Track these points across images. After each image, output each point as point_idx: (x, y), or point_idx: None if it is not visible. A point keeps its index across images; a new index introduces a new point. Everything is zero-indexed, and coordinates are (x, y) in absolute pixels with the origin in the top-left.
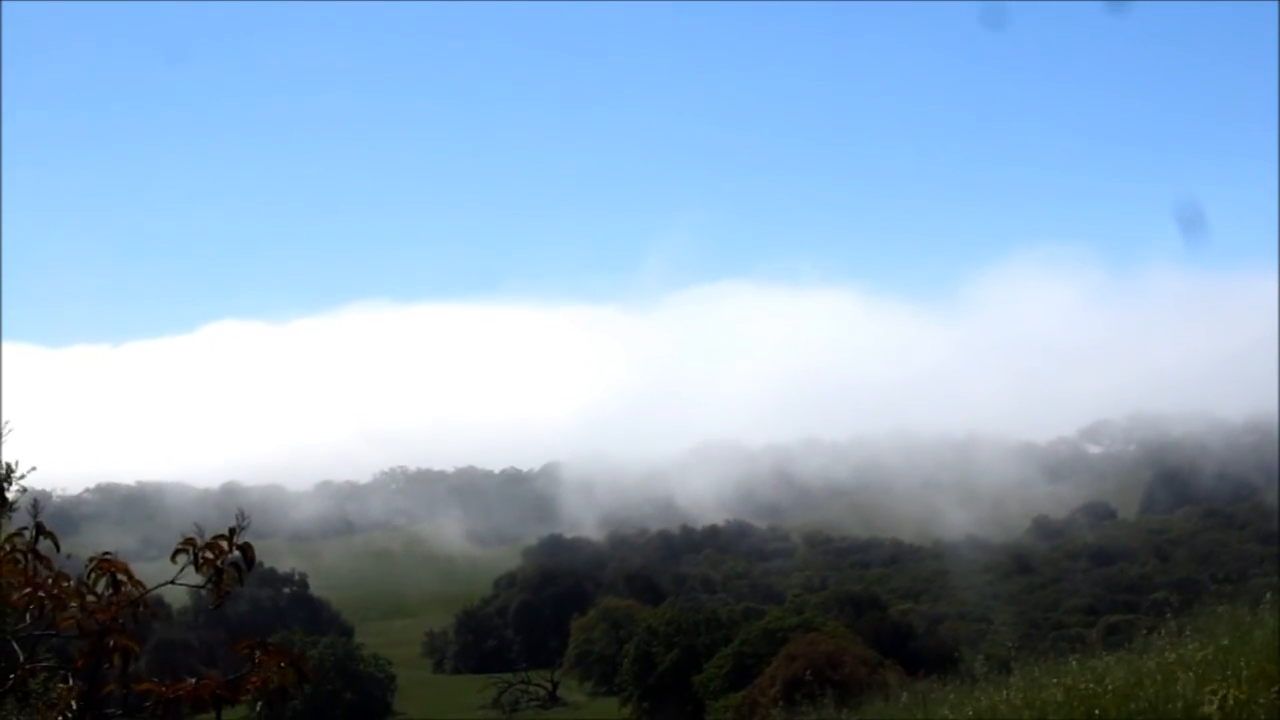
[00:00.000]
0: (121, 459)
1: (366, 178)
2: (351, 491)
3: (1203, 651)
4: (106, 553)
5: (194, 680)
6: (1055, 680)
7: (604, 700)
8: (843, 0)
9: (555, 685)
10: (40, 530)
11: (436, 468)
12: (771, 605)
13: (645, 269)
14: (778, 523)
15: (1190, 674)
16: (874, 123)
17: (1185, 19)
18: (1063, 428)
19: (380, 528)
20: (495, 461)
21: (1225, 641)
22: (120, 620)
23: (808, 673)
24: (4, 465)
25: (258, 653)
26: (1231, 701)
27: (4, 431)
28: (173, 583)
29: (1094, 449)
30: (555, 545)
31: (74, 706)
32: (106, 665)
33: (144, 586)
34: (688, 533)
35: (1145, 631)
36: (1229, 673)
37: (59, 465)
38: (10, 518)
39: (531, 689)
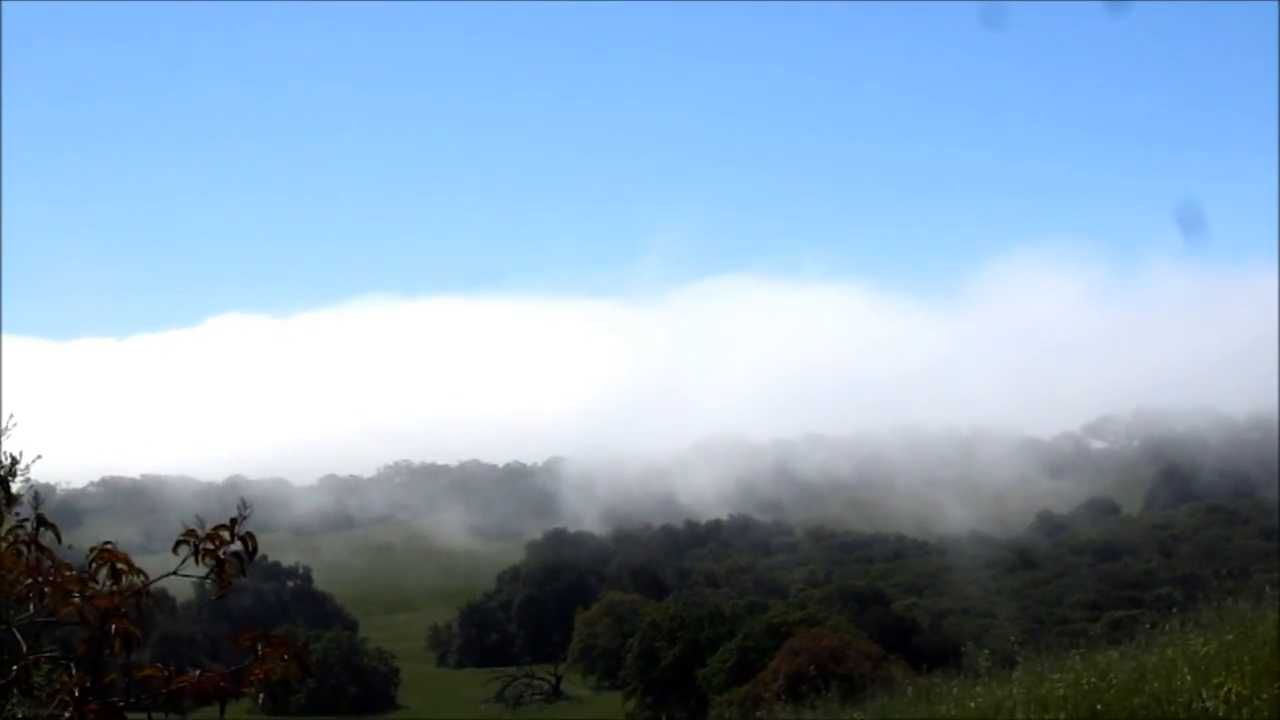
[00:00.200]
0: (125, 452)
1: (370, 172)
2: (355, 486)
3: (1206, 647)
4: (107, 542)
5: (197, 672)
6: (1059, 675)
7: (608, 694)
8: None
9: (559, 679)
10: (42, 521)
11: (440, 462)
12: (775, 600)
13: (649, 264)
14: (781, 518)
15: (1193, 669)
16: (878, 117)
17: (1188, 16)
18: (1067, 423)
19: (384, 522)
20: (499, 456)
21: (1229, 637)
22: (123, 608)
23: (811, 667)
24: (8, 457)
25: (260, 645)
26: (1235, 696)
27: (9, 425)
28: (175, 573)
29: (1098, 444)
30: (559, 540)
31: (76, 695)
32: (108, 653)
33: (146, 575)
34: (691, 527)
35: (1149, 627)
36: (1232, 668)
37: (63, 458)
38: (15, 511)
39: (535, 683)
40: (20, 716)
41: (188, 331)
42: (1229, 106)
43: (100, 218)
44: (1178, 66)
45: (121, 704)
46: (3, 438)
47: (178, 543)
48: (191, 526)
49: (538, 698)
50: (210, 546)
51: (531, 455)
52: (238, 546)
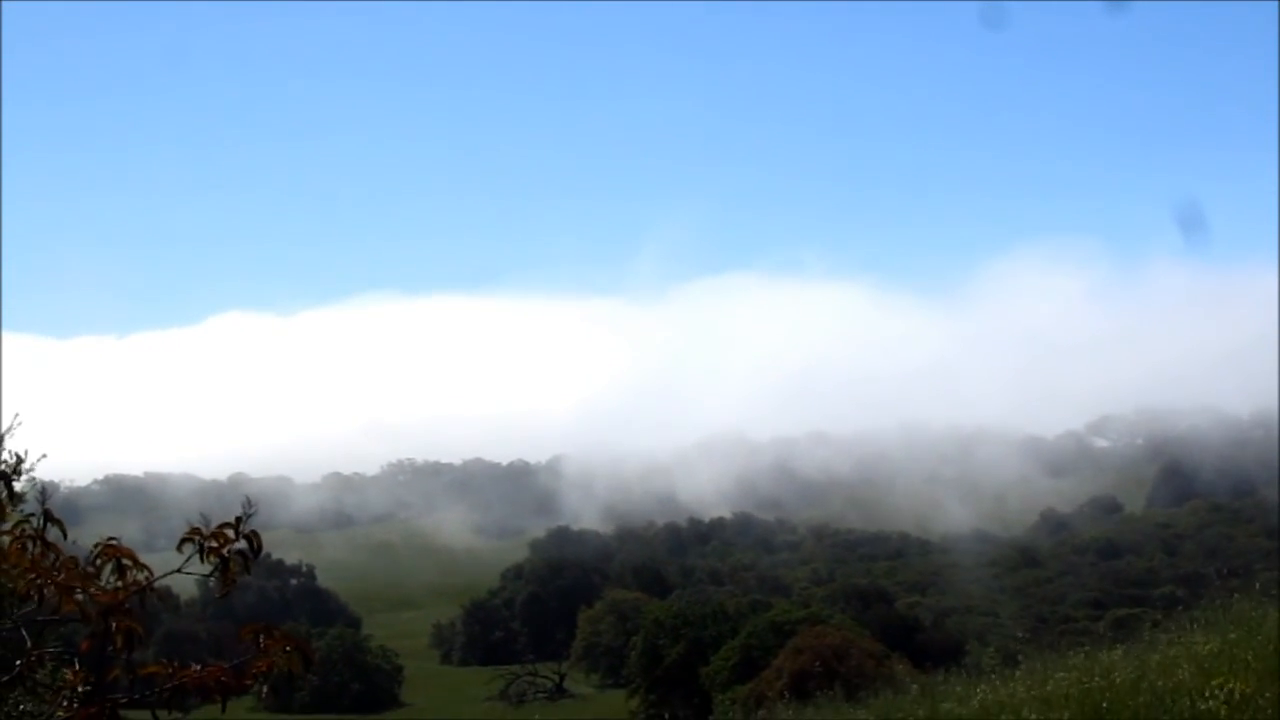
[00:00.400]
0: (128, 450)
1: (372, 170)
2: (358, 483)
3: (1209, 645)
4: (111, 538)
5: (199, 667)
6: (1062, 674)
7: (611, 692)
8: None
9: (562, 677)
10: (48, 518)
11: (443, 460)
12: (778, 598)
13: (651, 261)
14: (783, 516)
15: (1197, 668)
16: (881, 116)
17: (1189, 15)
18: (1069, 422)
19: (387, 520)
20: (502, 454)
21: (1232, 635)
22: (126, 604)
23: (815, 665)
24: (13, 456)
25: (262, 638)
26: (1238, 696)
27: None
28: (180, 571)
29: (1100, 443)
30: (562, 537)
31: (79, 691)
32: (111, 649)
33: (150, 572)
34: (694, 525)
35: (1151, 625)
36: (1236, 667)
37: (66, 456)
38: (20, 509)
39: (539, 681)
40: (24, 709)
41: (189, 329)
42: (1230, 105)
43: (102, 216)
44: (1179, 65)
45: (125, 701)
46: (7, 436)
47: (182, 540)
48: (195, 524)
49: (541, 696)
50: (215, 545)
51: (534, 453)
52: (242, 545)
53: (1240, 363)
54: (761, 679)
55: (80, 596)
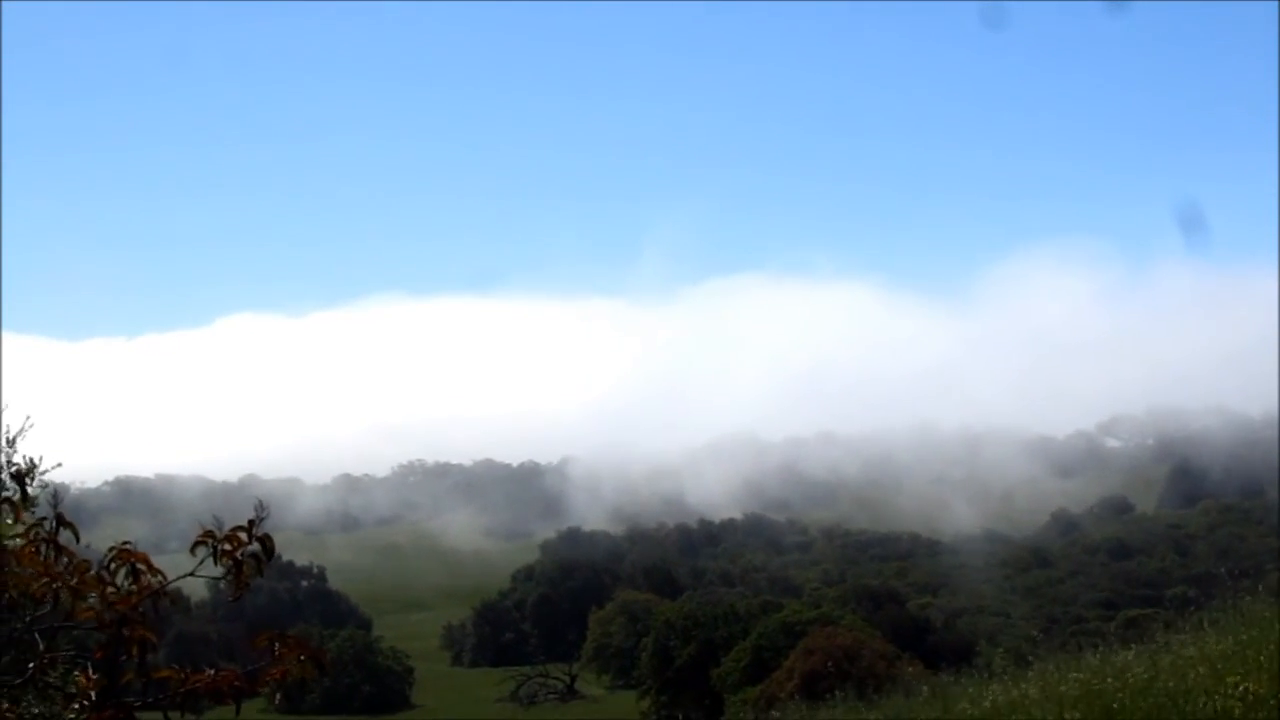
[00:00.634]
0: (138, 452)
1: (378, 171)
2: (369, 485)
3: (1221, 645)
4: (126, 542)
5: (213, 671)
6: (1074, 674)
7: (622, 693)
8: None
9: (573, 678)
10: (61, 521)
11: (454, 461)
12: (789, 599)
13: (660, 263)
14: (793, 517)
15: (1209, 668)
16: (890, 117)
17: (1198, 15)
18: (1080, 422)
19: (397, 521)
20: (512, 455)
21: (1243, 636)
22: (140, 610)
23: (827, 666)
24: (26, 460)
25: (277, 645)
26: (1251, 696)
27: (26, 425)
28: (193, 574)
29: (1111, 443)
30: (573, 539)
31: (93, 697)
32: (124, 656)
33: (164, 576)
34: (705, 526)
35: (1163, 626)
36: (1249, 667)
37: (76, 458)
38: (32, 511)
39: (549, 682)
40: (37, 712)
41: (199, 331)
42: (1238, 106)
43: (111, 218)
44: (1187, 66)
45: (138, 704)
46: (19, 439)
47: (196, 543)
48: (207, 527)
49: (552, 697)
50: (228, 548)
51: (544, 455)
52: (255, 548)
53: (1250, 363)
54: (773, 680)
55: (93, 601)
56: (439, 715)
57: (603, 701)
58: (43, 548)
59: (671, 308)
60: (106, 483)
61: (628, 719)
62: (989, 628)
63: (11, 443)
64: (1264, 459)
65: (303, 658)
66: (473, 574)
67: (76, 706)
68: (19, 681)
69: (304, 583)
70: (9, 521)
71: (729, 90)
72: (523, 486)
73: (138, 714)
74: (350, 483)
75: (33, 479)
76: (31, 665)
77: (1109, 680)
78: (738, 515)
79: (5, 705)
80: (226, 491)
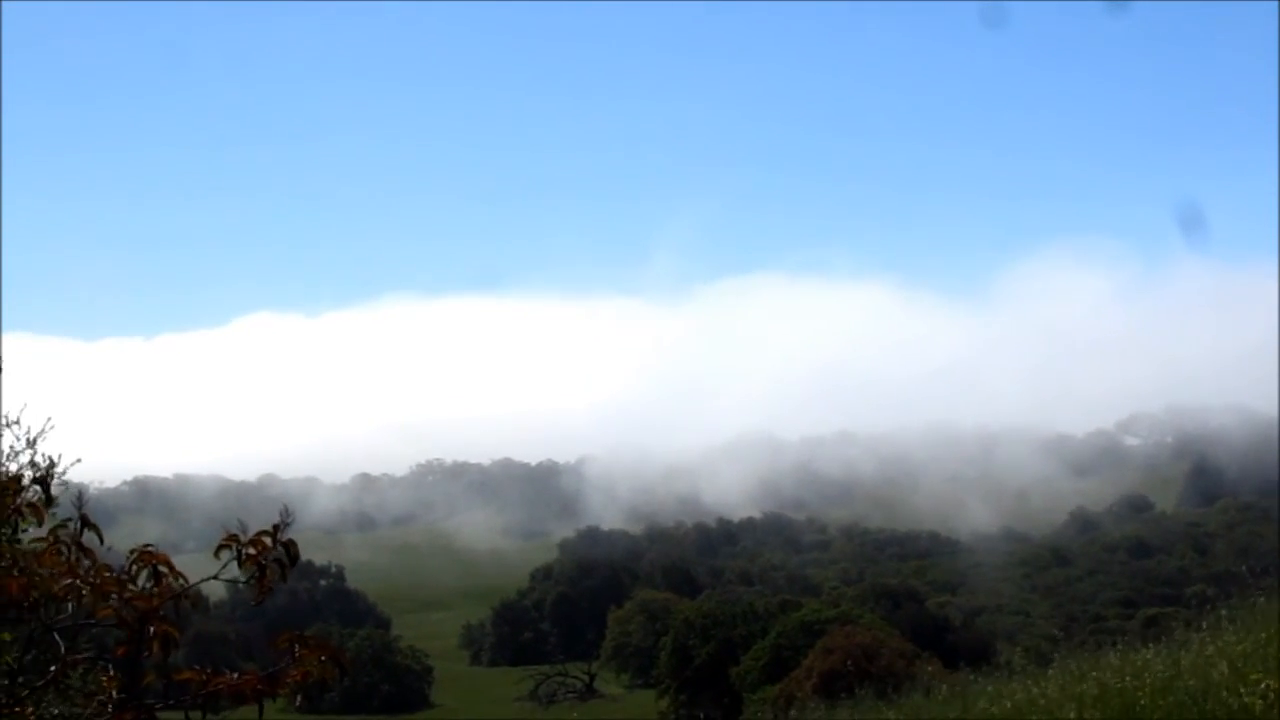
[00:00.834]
0: (156, 452)
1: (392, 171)
2: (387, 484)
3: (1241, 644)
4: (148, 545)
5: (235, 674)
6: (1094, 673)
7: (641, 692)
8: None
9: (592, 677)
10: (85, 522)
11: (472, 460)
12: (808, 598)
13: (674, 260)
14: (811, 516)
15: (1229, 666)
16: (905, 116)
17: (1219, 14)
18: (1099, 420)
19: (416, 520)
20: (530, 454)
21: (1263, 634)
22: (161, 610)
23: (845, 665)
24: (47, 460)
25: (298, 646)
26: (1273, 694)
27: (46, 426)
28: (215, 578)
29: (1131, 441)
30: (591, 538)
31: (114, 697)
32: (146, 654)
33: (186, 579)
34: (724, 525)
35: (1183, 624)
36: (1270, 665)
37: (94, 458)
38: (53, 511)
39: (568, 681)
40: (56, 713)
41: (216, 331)
42: (1255, 103)
43: (127, 219)
44: (1205, 66)
45: (160, 706)
46: (39, 439)
47: (219, 547)
48: (228, 528)
49: (571, 696)
50: (252, 552)
51: (562, 454)
52: (280, 553)
53: (1269, 361)
54: (791, 679)
55: (115, 602)
56: (458, 714)
57: (622, 700)
58: (66, 549)
59: (686, 306)
60: (125, 483)
61: (647, 718)
62: (1008, 626)
63: (31, 443)
64: None
65: (323, 659)
66: (490, 573)
67: (99, 707)
68: (40, 682)
69: (322, 582)
70: (31, 522)
71: (744, 88)
72: (539, 486)
73: (158, 714)
74: (368, 482)
75: (53, 478)
76: (53, 667)
77: (1129, 679)
78: (756, 514)
79: (27, 706)
80: (244, 491)
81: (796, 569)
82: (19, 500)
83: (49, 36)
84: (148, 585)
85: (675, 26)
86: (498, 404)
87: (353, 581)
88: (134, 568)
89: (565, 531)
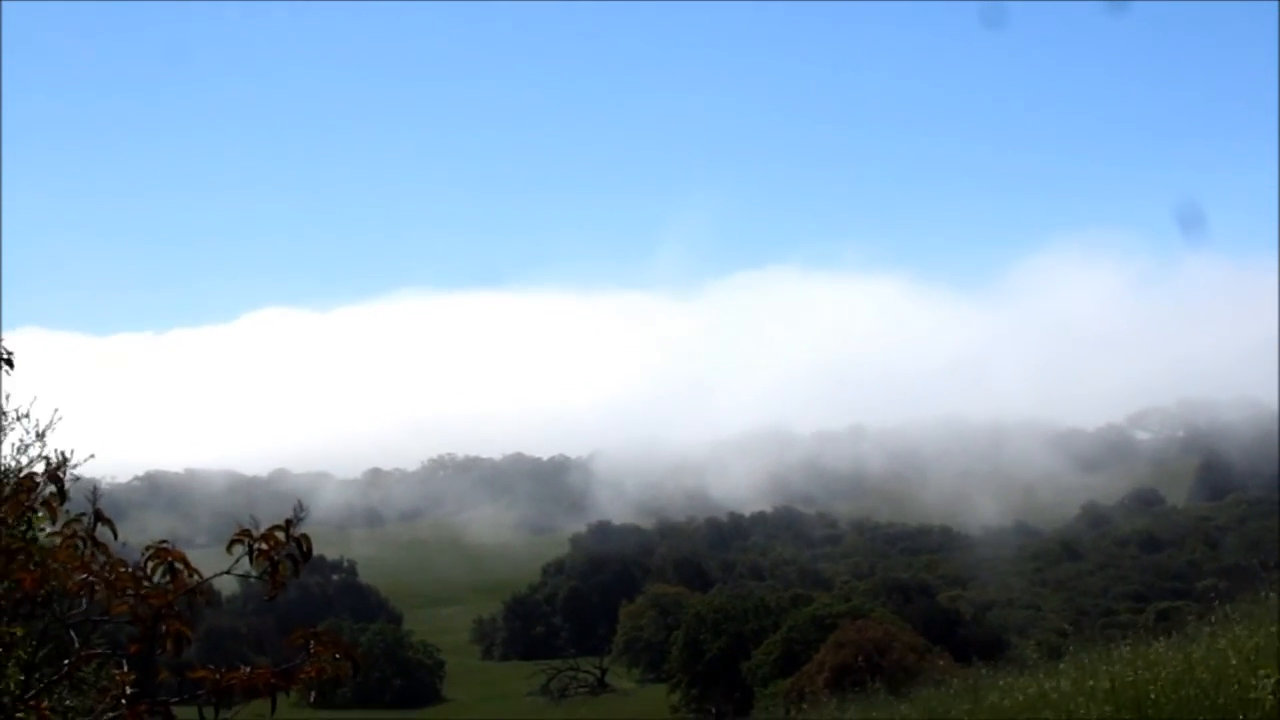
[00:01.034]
0: (168, 447)
1: (401, 167)
2: (399, 479)
3: (1253, 638)
4: (163, 541)
5: (248, 669)
6: (1106, 667)
7: (652, 687)
8: None
9: (604, 672)
10: (99, 517)
11: (484, 455)
12: (820, 592)
13: (685, 255)
14: (823, 510)
15: (1240, 660)
16: (917, 111)
17: (1239, 10)
18: (1110, 414)
19: (427, 515)
20: (542, 449)
21: (1274, 628)
22: (175, 606)
23: (857, 659)
24: (58, 454)
25: (311, 642)
26: None
27: (54, 419)
28: (228, 573)
29: (1142, 435)
30: (603, 532)
31: (128, 693)
32: (160, 651)
33: (200, 574)
34: (735, 519)
35: (1194, 618)
36: None
37: (106, 454)
38: (66, 508)
39: (580, 675)
40: (69, 704)
41: (227, 326)
42: (1269, 97)
43: (138, 214)
44: (1217, 60)
45: (174, 701)
46: (48, 432)
47: (231, 542)
48: (240, 523)
49: (583, 690)
50: (265, 548)
51: (574, 449)
52: (293, 548)
53: None
54: (803, 673)
55: (129, 598)
56: (470, 709)
57: (633, 695)
58: (80, 544)
59: (698, 301)
60: (137, 478)
61: (658, 712)
62: (1019, 621)
63: (41, 435)
64: None
65: (337, 655)
66: (500, 568)
67: (113, 702)
68: (55, 677)
69: (334, 577)
70: (45, 519)
71: (754, 83)
72: (550, 481)
73: (172, 709)
74: (380, 477)
75: (64, 472)
76: (67, 661)
77: (1141, 673)
78: (767, 509)
79: (42, 700)
80: (255, 486)
81: (808, 563)
82: (33, 496)
83: (60, 30)
84: (163, 580)
85: (684, 20)
86: (509, 399)
87: (364, 577)
88: (149, 564)
89: (575, 526)
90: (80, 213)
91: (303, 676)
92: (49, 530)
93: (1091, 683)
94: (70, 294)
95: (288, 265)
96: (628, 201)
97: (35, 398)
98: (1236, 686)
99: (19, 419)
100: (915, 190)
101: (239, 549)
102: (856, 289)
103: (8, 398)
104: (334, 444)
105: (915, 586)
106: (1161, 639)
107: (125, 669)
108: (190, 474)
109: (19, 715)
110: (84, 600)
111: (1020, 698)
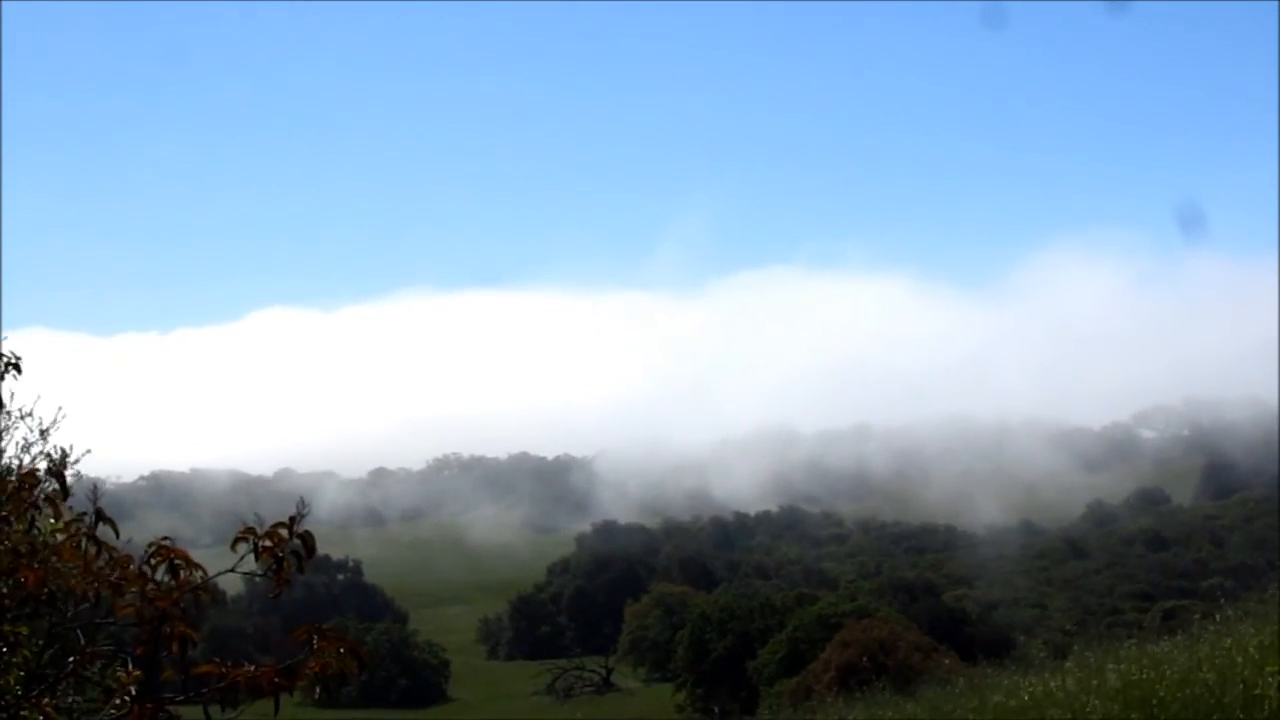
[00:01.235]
0: (173, 447)
1: (405, 167)
2: (404, 478)
3: (1258, 636)
4: (165, 538)
5: (253, 667)
6: (1112, 666)
7: (658, 686)
8: None
9: (609, 671)
10: (100, 516)
11: (489, 455)
12: (825, 591)
13: (688, 255)
14: (828, 510)
15: (1246, 658)
16: (921, 110)
17: (1242, 11)
18: (1115, 413)
19: (433, 514)
20: (546, 449)
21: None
22: (180, 606)
23: (862, 658)
24: (59, 450)
25: (315, 639)
26: None
27: (58, 416)
28: (233, 570)
29: (1147, 434)
30: (608, 532)
31: (132, 692)
32: (165, 653)
33: (205, 572)
34: (740, 519)
35: (1200, 617)
36: None
37: (111, 453)
38: (69, 505)
39: (585, 675)
40: (73, 701)
41: (231, 326)
42: (1268, 99)
43: (143, 213)
44: (1217, 60)
45: (179, 700)
46: (50, 430)
47: (236, 540)
48: (245, 521)
49: (588, 690)
50: (269, 544)
51: (578, 449)
52: (297, 545)
53: None
54: (808, 672)
55: (133, 597)
56: (475, 708)
57: (639, 694)
58: (83, 543)
59: (702, 300)
60: (142, 478)
61: (664, 712)
62: (1025, 619)
63: (44, 434)
64: None
65: (341, 652)
66: (504, 568)
67: (117, 702)
68: (59, 676)
69: (340, 576)
70: (49, 517)
71: (757, 82)
72: (554, 481)
73: (177, 709)
74: (384, 477)
75: (66, 468)
76: (71, 660)
77: (1147, 671)
78: (773, 508)
79: (45, 699)
80: (259, 485)
81: (813, 562)
82: (36, 493)
83: (60, 30)
84: (166, 580)
85: (687, 19)
86: (513, 399)
87: (368, 576)
88: (152, 561)
89: (580, 526)
90: (85, 213)
91: (307, 673)
92: (53, 525)
93: (1097, 681)
94: (75, 294)
95: (291, 265)
96: (630, 201)
97: (39, 396)
98: (1242, 685)
99: (23, 418)
100: (918, 189)
101: (243, 547)
102: (859, 288)
103: (12, 397)
104: (338, 444)
105: (920, 586)
106: (1167, 638)
107: (130, 668)
108: (195, 474)
109: (23, 714)
110: (89, 599)
111: (1026, 697)
